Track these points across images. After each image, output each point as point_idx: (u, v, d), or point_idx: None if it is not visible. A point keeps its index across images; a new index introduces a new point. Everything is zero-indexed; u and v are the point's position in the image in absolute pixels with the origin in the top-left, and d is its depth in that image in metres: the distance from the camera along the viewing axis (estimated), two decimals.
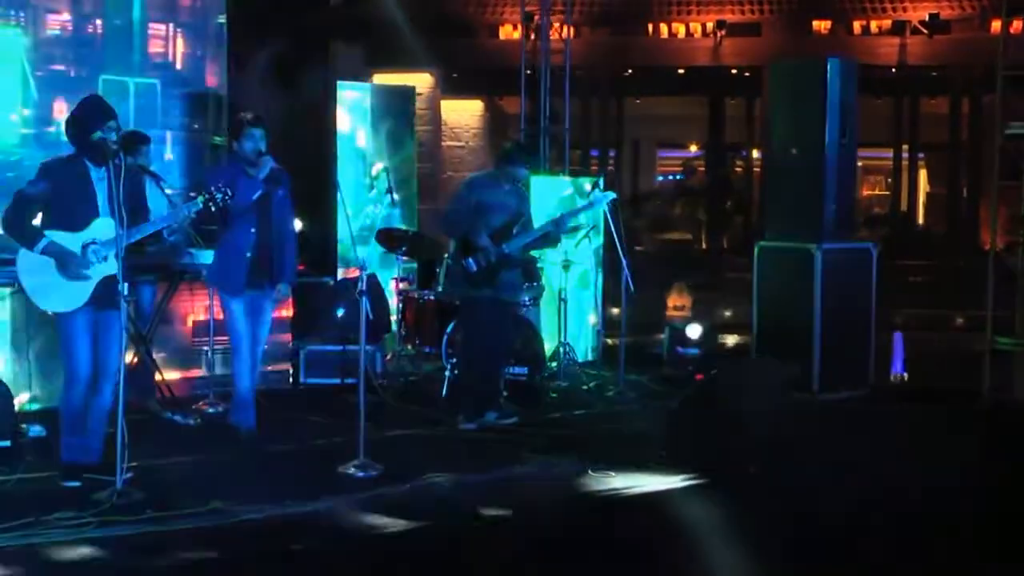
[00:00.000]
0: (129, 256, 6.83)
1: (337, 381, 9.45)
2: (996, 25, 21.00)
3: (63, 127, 6.61)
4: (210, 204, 6.56)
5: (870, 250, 9.91)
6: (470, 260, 8.14)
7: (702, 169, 30.16)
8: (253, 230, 7.39)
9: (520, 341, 9.25)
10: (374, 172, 11.38)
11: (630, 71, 24.08)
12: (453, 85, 22.67)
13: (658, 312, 12.02)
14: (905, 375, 10.41)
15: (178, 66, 10.99)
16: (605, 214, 9.62)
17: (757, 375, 7.64)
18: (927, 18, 21.96)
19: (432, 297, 9.69)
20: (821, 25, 23.08)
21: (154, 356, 8.48)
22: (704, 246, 27.52)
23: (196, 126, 10.50)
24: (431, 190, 18.12)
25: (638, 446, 7.58)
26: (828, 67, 9.53)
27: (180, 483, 6.59)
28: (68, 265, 6.23)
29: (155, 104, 10.20)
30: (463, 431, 8.16)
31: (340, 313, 9.71)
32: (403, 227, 10.95)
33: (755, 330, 10.04)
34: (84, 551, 5.39)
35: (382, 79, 16.66)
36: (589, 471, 7.04)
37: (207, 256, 7.91)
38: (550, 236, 8.53)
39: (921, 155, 28.27)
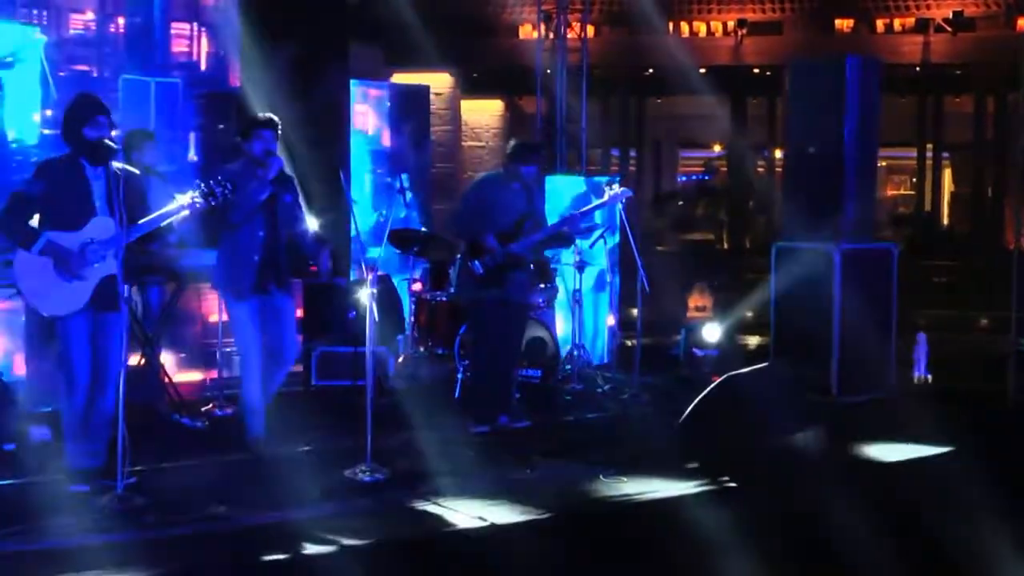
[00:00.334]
0: (132, 256, 6.78)
1: (349, 383, 9.32)
2: (1021, 22, 20.80)
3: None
4: (209, 198, 6.43)
5: (891, 250, 9.75)
6: (476, 262, 8.01)
7: (724, 169, 30.00)
8: (261, 233, 7.23)
9: (532, 343, 9.13)
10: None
11: (651, 71, 23.93)
12: (473, 85, 22.60)
13: (679, 313, 11.89)
14: (928, 377, 10.24)
15: (202, 66, 10.95)
16: (620, 214, 9.49)
17: (768, 380, 7.46)
18: (951, 16, 21.79)
19: (444, 298, 9.58)
20: (843, 23, 22.93)
21: (173, 357, 8.39)
22: (726, 246, 27.36)
23: (221, 126, 10.40)
24: (451, 190, 18.02)
25: (651, 451, 7.45)
26: (848, 65, 9.37)
27: (183, 488, 6.47)
28: (68, 264, 6.12)
29: (176, 104, 10.09)
30: (474, 435, 8.03)
31: (352, 314, 9.60)
32: (415, 228, 10.86)
33: (773, 332, 9.88)
34: (80, 557, 5.27)
35: (401, 79, 16.55)
36: (600, 476, 6.90)
37: (213, 257, 7.78)
38: (562, 236, 8.40)
39: (945, 154, 28.05)
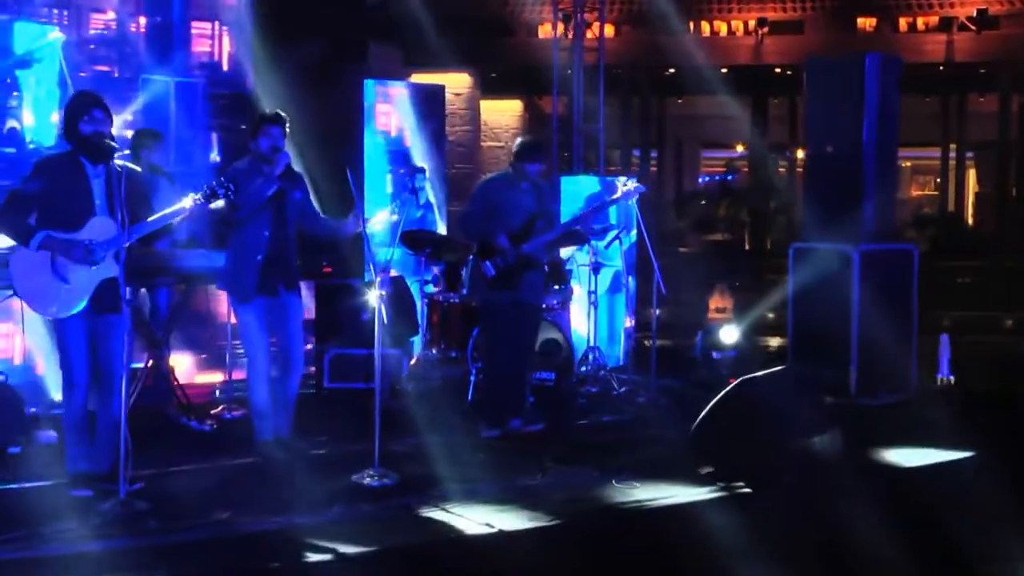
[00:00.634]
0: (136, 257, 6.70)
1: (361, 386, 9.22)
2: None
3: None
4: (211, 199, 6.34)
5: (911, 252, 9.60)
6: (487, 264, 7.89)
7: (745, 169, 29.81)
8: (266, 232, 7.10)
9: (546, 345, 9.01)
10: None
11: (672, 71, 23.76)
12: (492, 85, 22.48)
13: (700, 314, 11.76)
14: (952, 378, 10.08)
15: (224, 66, 10.88)
16: (636, 213, 9.36)
17: (784, 384, 7.32)
18: (975, 14, 21.49)
19: (457, 300, 9.47)
20: (866, 22, 22.66)
21: (183, 359, 8.30)
22: (747, 247, 27.16)
23: (243, 126, 10.34)
24: (469, 191, 17.91)
25: (665, 455, 7.33)
26: (867, 63, 9.22)
27: (187, 493, 6.39)
28: (72, 254, 5.99)
29: (197, 104, 10.01)
30: (485, 439, 7.92)
31: (364, 316, 9.50)
32: (432, 228, 10.76)
33: (791, 334, 9.74)
34: (79, 565, 5.20)
35: (420, 80, 16.45)
36: (613, 482, 6.78)
37: (221, 259, 7.69)
38: (575, 234, 8.28)
39: (970, 154, 27.78)
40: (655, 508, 6.40)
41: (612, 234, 9.87)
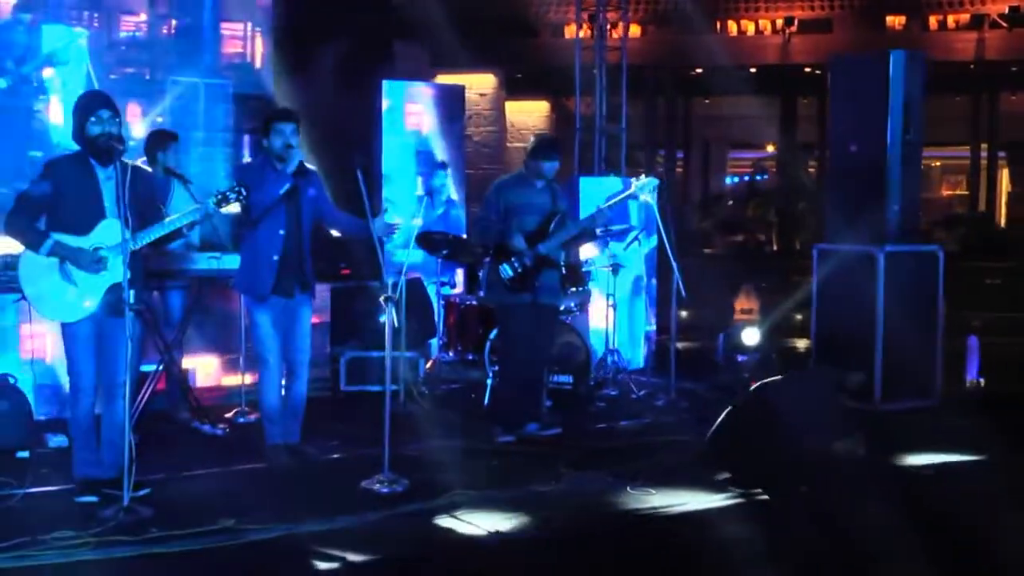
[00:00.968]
0: (146, 259, 6.62)
1: (378, 388, 9.12)
2: None
3: None
4: (222, 203, 6.26)
5: (936, 253, 9.40)
6: (504, 265, 7.77)
7: (773, 170, 29.62)
8: (281, 231, 7.01)
9: (564, 348, 8.88)
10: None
11: (699, 71, 23.60)
12: (517, 85, 22.39)
13: (725, 315, 11.62)
14: (981, 380, 9.90)
15: (257, 66, 10.83)
16: (655, 213, 9.22)
17: (804, 388, 7.16)
18: (1006, 11, 21.24)
19: (474, 302, 9.35)
20: (895, 20, 22.45)
21: (198, 362, 8.22)
22: (775, 247, 26.98)
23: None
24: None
25: (682, 461, 7.20)
26: (891, 60, 9.04)
27: (194, 498, 6.31)
28: (80, 263, 5.92)
29: (227, 106, 9.94)
30: (501, 443, 7.79)
31: (381, 318, 9.39)
32: (452, 226, 10.66)
33: (814, 336, 9.57)
34: (74, 574, 5.11)
35: (445, 80, 16.39)
36: (628, 488, 6.64)
37: (235, 261, 7.60)
38: (591, 234, 8.14)
39: (1001, 153, 27.48)
40: (670, 515, 6.25)
41: (631, 235, 9.74)
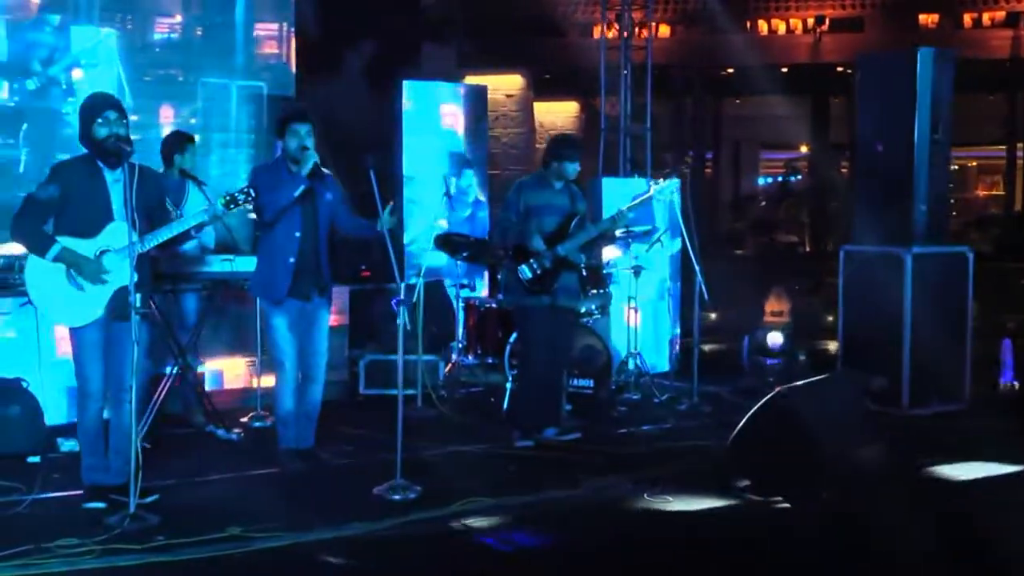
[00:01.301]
0: (157, 262, 6.54)
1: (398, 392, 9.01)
2: None
3: None
4: (230, 205, 6.17)
5: (966, 254, 9.20)
6: (523, 267, 7.65)
7: (806, 170, 29.37)
8: (297, 233, 6.91)
9: (585, 352, 8.75)
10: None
11: (730, 70, 23.40)
12: (547, 86, 22.27)
13: (755, 317, 11.44)
14: (1016, 384, 9.70)
15: (292, 68, 10.75)
16: (678, 214, 9.08)
17: (827, 393, 7.00)
18: None
19: (494, 305, 9.23)
20: (928, 18, 22.17)
21: (215, 366, 8.15)
22: (807, 249, 26.74)
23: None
24: None
25: (702, 467, 7.05)
26: (919, 57, 8.86)
27: (204, 505, 6.21)
28: (84, 272, 5.85)
29: (260, 108, 9.87)
30: (518, 448, 7.67)
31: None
32: (478, 227, 10.59)
33: (841, 340, 9.39)
34: None
35: (473, 81, 16.32)
36: (645, 495, 6.51)
37: (249, 263, 7.51)
38: (608, 234, 8.01)
39: None
40: (687, 524, 6.11)
41: (655, 237, 9.60)
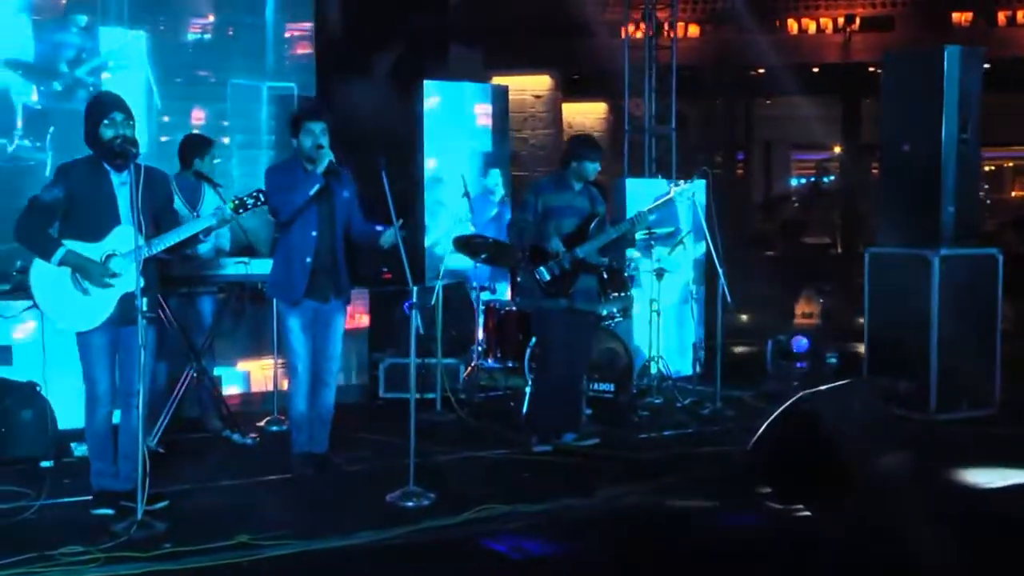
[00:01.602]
0: (167, 265, 6.47)
1: (417, 396, 8.91)
2: None
3: None
4: (239, 208, 6.09)
5: (995, 256, 9.01)
6: (542, 269, 7.53)
7: (838, 171, 29.12)
8: (313, 233, 6.81)
9: (605, 355, 8.63)
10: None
11: (760, 70, 23.17)
12: (575, 87, 22.13)
13: (784, 320, 11.31)
14: None
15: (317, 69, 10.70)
16: (700, 216, 8.94)
17: (851, 398, 6.84)
18: None
19: (514, 308, 9.12)
20: (961, 17, 21.83)
21: (231, 370, 8.09)
22: (839, 250, 26.45)
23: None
24: None
25: (723, 473, 6.92)
26: (945, 55, 8.68)
27: (214, 511, 6.13)
28: (90, 275, 5.78)
29: (291, 109, 9.83)
30: (536, 454, 7.56)
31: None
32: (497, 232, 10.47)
33: (867, 343, 9.22)
34: None
35: (500, 82, 16.23)
36: (663, 502, 6.38)
37: (265, 266, 7.43)
38: (628, 236, 7.89)
39: None
40: (705, 532, 5.98)
41: (677, 239, 9.47)
